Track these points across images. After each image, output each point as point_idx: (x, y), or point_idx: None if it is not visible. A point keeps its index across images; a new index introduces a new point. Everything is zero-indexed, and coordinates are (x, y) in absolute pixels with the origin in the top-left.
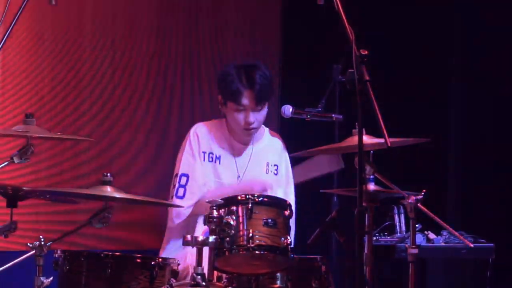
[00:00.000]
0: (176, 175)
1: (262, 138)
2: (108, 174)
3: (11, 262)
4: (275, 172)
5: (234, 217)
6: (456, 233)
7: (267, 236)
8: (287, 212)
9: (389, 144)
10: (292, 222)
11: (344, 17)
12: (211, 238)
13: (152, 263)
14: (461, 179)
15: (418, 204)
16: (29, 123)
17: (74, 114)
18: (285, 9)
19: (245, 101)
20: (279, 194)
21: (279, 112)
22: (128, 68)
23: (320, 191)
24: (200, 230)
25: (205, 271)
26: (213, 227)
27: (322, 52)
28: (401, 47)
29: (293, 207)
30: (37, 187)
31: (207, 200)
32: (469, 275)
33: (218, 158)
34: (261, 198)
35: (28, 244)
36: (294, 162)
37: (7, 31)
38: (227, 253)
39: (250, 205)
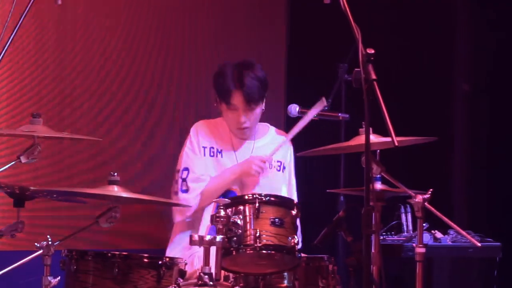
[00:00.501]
0: (178, 170)
1: (266, 135)
2: (115, 174)
3: (18, 261)
4: (278, 168)
5: (241, 217)
6: (463, 232)
7: (274, 236)
8: (294, 212)
9: (396, 144)
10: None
11: (350, 16)
12: (218, 238)
13: (159, 262)
14: (468, 178)
15: (425, 203)
16: (36, 123)
17: (81, 114)
18: (291, 7)
19: (235, 101)
20: (283, 191)
21: (285, 111)
22: (133, 67)
23: (327, 191)
24: (205, 225)
25: (212, 270)
26: (220, 227)
27: (328, 51)
28: (406, 46)
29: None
30: (44, 186)
31: (214, 200)
32: (476, 274)
33: (220, 152)
34: (268, 198)
35: (36, 243)
36: (301, 165)
37: (13, 31)
38: (234, 253)
39: (257, 204)
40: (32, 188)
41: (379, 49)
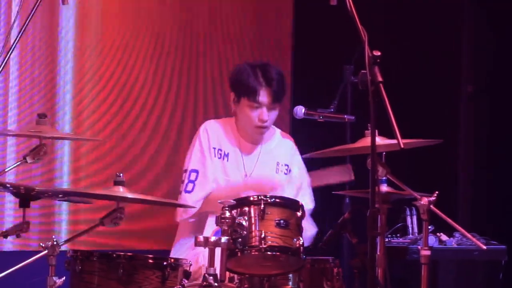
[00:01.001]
0: (186, 170)
1: (272, 138)
2: (121, 174)
3: (23, 262)
4: (286, 171)
5: (246, 218)
6: (469, 235)
7: (279, 237)
8: (299, 213)
9: (402, 146)
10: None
11: (357, 18)
12: (223, 239)
13: (164, 263)
14: (473, 181)
15: (431, 206)
16: (42, 123)
17: (87, 115)
18: (297, 9)
19: (262, 98)
20: (290, 193)
21: (291, 113)
22: (143, 70)
23: (332, 192)
24: (210, 229)
25: (217, 271)
26: (225, 228)
27: (334, 52)
28: (412, 48)
29: (312, 204)
30: (50, 187)
31: (219, 201)
32: (481, 277)
33: (226, 155)
34: (274, 199)
35: (41, 244)
36: (307, 166)
37: (20, 32)
38: (239, 254)
39: (262, 205)
40: (37, 188)
41: (383, 51)
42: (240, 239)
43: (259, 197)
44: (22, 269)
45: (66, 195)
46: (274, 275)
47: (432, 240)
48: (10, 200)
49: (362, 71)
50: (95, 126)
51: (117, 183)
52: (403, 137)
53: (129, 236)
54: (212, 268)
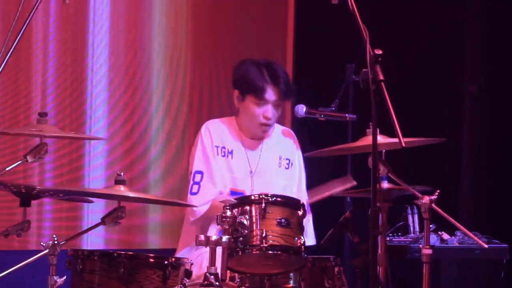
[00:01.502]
0: (191, 172)
1: (273, 133)
2: (122, 174)
3: (24, 261)
4: (287, 166)
5: (247, 217)
6: (470, 234)
7: (281, 236)
8: (300, 212)
9: (403, 145)
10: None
11: (358, 17)
12: (225, 238)
13: (165, 262)
14: (475, 180)
15: (432, 205)
16: (43, 122)
17: (88, 114)
18: (298, 8)
19: (268, 96)
20: (294, 190)
21: (292, 112)
22: (148, 70)
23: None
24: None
25: (218, 271)
26: (227, 227)
27: (336, 51)
28: (414, 46)
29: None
30: (50, 186)
31: (220, 200)
32: (483, 276)
33: (231, 152)
34: (275, 198)
35: (42, 243)
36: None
37: (20, 31)
38: (240, 253)
39: (263, 205)
40: (38, 187)
41: (386, 50)
42: (241, 238)
43: (260, 196)
44: (23, 269)
45: (67, 194)
46: (275, 274)
47: (433, 239)
48: (8, 201)
49: (364, 69)
50: (98, 125)
51: (118, 182)
52: (404, 136)
53: (134, 231)
54: (213, 267)
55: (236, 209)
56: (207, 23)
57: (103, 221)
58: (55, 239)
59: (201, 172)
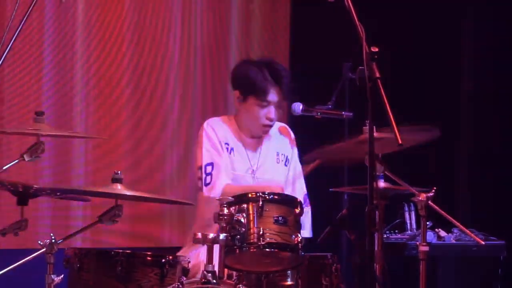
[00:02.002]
0: (200, 167)
1: (269, 131)
2: (119, 172)
3: (21, 260)
4: (284, 161)
5: (244, 215)
6: (467, 231)
7: (278, 234)
8: (297, 210)
9: (400, 142)
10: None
11: (354, 14)
12: (222, 236)
13: (163, 260)
14: (471, 176)
15: (429, 202)
16: (40, 121)
17: (84, 112)
18: (294, 5)
19: (271, 97)
20: (292, 185)
21: (289, 110)
22: (139, 67)
23: (330, 190)
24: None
25: (216, 268)
26: (224, 225)
27: (332, 49)
28: (411, 43)
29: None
30: (48, 184)
31: (217, 198)
32: (480, 273)
33: (232, 149)
34: (272, 196)
35: (39, 242)
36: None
37: (16, 30)
38: (237, 251)
39: (260, 202)
40: (35, 186)
41: (382, 48)
42: (238, 236)
43: (257, 194)
44: (20, 267)
45: (64, 193)
46: (272, 271)
47: (430, 236)
48: (5, 201)
49: (360, 67)
50: (98, 124)
51: (115, 180)
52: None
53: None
54: (210, 265)
55: (233, 207)
56: (198, 22)
57: (100, 220)
58: (53, 237)
59: (211, 164)
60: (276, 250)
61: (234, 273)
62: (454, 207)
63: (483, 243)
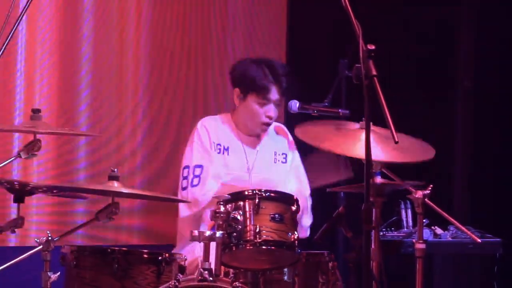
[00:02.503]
0: (187, 166)
1: (268, 129)
2: (116, 170)
3: (18, 257)
4: (283, 160)
5: (241, 212)
6: (463, 228)
7: (274, 231)
8: (294, 207)
9: (396, 140)
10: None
11: (351, 12)
12: (218, 234)
13: (159, 258)
14: (468, 174)
15: (426, 199)
16: (36, 118)
17: (80, 109)
18: (291, 2)
19: (271, 95)
20: (292, 184)
21: (285, 107)
22: (139, 65)
23: (327, 190)
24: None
25: (212, 266)
26: (220, 222)
27: (329, 46)
28: (407, 40)
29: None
30: (44, 182)
31: (214, 195)
32: (476, 270)
33: (227, 149)
34: (268, 193)
35: (35, 239)
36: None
37: (13, 28)
38: (234, 248)
39: (257, 200)
40: (32, 183)
41: (379, 45)
42: (235, 234)
43: (254, 192)
44: (17, 265)
45: (61, 190)
46: (269, 269)
47: (427, 233)
48: (1, 198)
49: (357, 65)
50: (91, 120)
51: (111, 178)
52: (398, 131)
53: (128, 231)
54: (207, 263)
55: (229, 205)
56: (194, 20)
57: (96, 217)
58: (49, 235)
59: (201, 166)
60: (272, 247)
61: (231, 270)
62: (451, 204)
63: (479, 240)
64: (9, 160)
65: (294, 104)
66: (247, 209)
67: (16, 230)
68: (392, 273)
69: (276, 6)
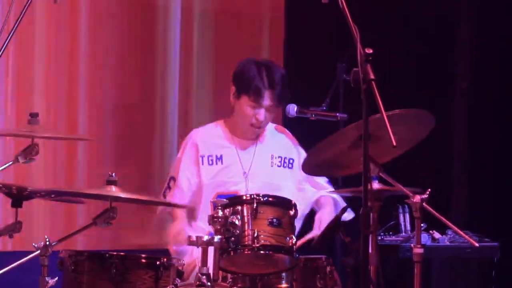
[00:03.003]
0: (168, 175)
1: (265, 132)
2: (113, 174)
3: (16, 262)
4: (279, 164)
5: (239, 217)
6: (461, 233)
7: (272, 236)
8: (292, 212)
9: (394, 143)
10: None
11: (349, 16)
12: (216, 238)
13: (157, 263)
14: (465, 178)
15: (423, 204)
16: (34, 122)
17: (79, 114)
18: (289, 6)
19: (262, 100)
20: (290, 187)
21: (283, 111)
22: (135, 68)
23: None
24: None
25: (210, 271)
26: (218, 227)
27: (327, 50)
28: (404, 42)
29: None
30: (42, 187)
31: (211, 200)
32: (474, 275)
33: (220, 158)
34: (266, 198)
35: (33, 244)
36: None
37: (11, 32)
38: (232, 253)
39: (255, 204)
40: (29, 188)
41: (376, 46)
42: (233, 238)
43: (252, 196)
44: (14, 269)
45: (59, 195)
46: (267, 274)
47: (424, 238)
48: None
49: (354, 69)
50: (88, 125)
51: (109, 182)
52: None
53: (126, 236)
54: (205, 268)
55: (227, 209)
56: (193, 23)
57: (94, 222)
58: (47, 239)
59: (173, 178)
60: (270, 252)
61: (229, 275)
62: (448, 209)
63: (477, 245)
64: (7, 165)
65: (292, 108)
66: (245, 213)
67: (13, 234)
68: (390, 277)
69: (274, 9)
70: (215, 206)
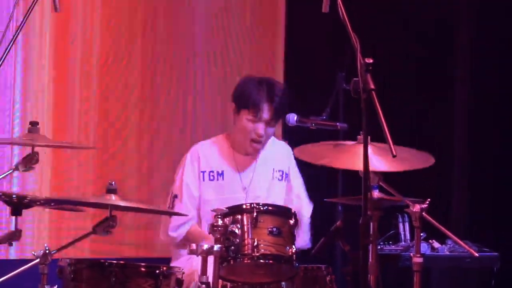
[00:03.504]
0: (171, 193)
1: (267, 146)
2: (113, 183)
3: (15, 270)
4: (280, 178)
5: (239, 226)
6: (461, 242)
7: (272, 245)
8: (292, 221)
9: (394, 153)
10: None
11: (349, 25)
12: (216, 247)
13: (157, 271)
14: (466, 182)
15: (423, 213)
16: (34, 131)
17: (79, 122)
18: (289, 16)
19: (262, 113)
20: (292, 201)
21: (283, 121)
22: (140, 79)
23: (324, 200)
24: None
25: (210, 280)
26: (218, 236)
27: (327, 60)
28: (404, 48)
29: (310, 210)
30: (42, 195)
31: (211, 209)
32: (473, 284)
33: (221, 174)
34: (266, 207)
35: (33, 252)
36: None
37: (11, 41)
38: (232, 262)
39: (255, 213)
40: (29, 196)
41: (376, 52)
42: (232, 247)
43: (252, 205)
44: (14, 278)
45: (59, 203)
46: (267, 283)
47: (424, 247)
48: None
49: (354, 78)
50: (88, 133)
51: (109, 191)
52: (396, 143)
53: (125, 244)
54: (204, 276)
55: (227, 218)
56: (194, 33)
57: (94, 230)
58: (47, 248)
59: (177, 196)
60: (270, 261)
61: (229, 284)
62: (448, 218)
63: (476, 255)
64: (7, 173)
65: (292, 117)
66: (245, 222)
67: (13, 243)
68: (389, 286)
69: (274, 19)
70: (215, 215)
